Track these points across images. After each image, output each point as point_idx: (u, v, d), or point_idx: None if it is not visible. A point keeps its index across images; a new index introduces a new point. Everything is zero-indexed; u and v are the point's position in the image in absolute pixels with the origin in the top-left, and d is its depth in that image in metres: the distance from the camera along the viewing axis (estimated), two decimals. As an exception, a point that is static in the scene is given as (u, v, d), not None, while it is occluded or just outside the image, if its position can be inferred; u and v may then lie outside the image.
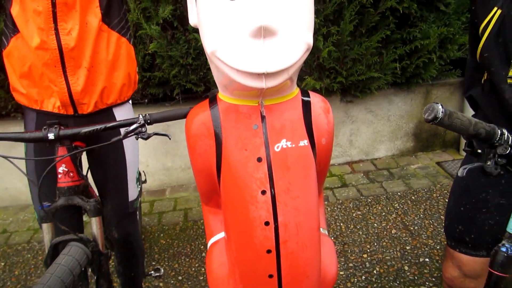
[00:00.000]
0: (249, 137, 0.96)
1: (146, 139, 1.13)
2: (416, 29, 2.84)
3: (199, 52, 2.74)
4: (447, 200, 1.75)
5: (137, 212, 2.37)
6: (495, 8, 0.98)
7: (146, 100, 3.05)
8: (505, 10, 0.96)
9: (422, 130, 3.42)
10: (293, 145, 0.98)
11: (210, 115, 1.00)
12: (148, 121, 1.14)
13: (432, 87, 3.29)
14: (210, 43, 0.86)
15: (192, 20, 0.94)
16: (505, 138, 0.88)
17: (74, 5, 1.23)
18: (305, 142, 0.99)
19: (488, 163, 0.90)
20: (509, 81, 1.03)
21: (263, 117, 0.97)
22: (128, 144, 1.52)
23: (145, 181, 2.43)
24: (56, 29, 1.23)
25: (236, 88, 0.93)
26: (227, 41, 0.83)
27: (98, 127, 1.17)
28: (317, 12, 2.66)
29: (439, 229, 2.50)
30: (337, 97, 3.11)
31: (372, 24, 2.79)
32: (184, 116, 1.13)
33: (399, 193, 2.92)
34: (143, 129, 1.14)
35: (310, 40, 0.87)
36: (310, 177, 1.02)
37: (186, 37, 2.74)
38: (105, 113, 1.43)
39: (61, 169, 1.22)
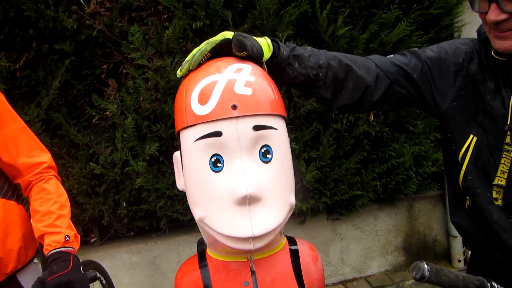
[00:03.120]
0: (240, 296, 0.96)
1: None
2: (390, 148, 3.01)
3: (185, 183, 2.79)
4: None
5: None
6: (471, 136, 1.02)
7: (132, 233, 3.02)
8: (480, 137, 1.01)
9: (412, 243, 3.40)
10: (285, 301, 0.97)
11: (200, 274, 1.00)
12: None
13: (414, 201, 3.37)
14: (197, 211, 0.90)
15: (180, 185, 0.99)
16: None
17: None
18: (296, 296, 0.99)
19: None
20: (495, 202, 1.04)
21: (252, 272, 0.98)
22: None
23: None
24: None
25: (224, 246, 0.95)
26: (214, 209, 0.87)
27: None
28: (296, 139, 2.82)
29: None
30: (324, 215, 3.14)
31: (349, 147, 2.95)
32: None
33: (398, 315, 2.79)
34: None
35: (292, 201, 0.92)
36: (305, 333, 0.99)
37: (172, 170, 2.82)
38: (8, 284, 1.25)
39: None
